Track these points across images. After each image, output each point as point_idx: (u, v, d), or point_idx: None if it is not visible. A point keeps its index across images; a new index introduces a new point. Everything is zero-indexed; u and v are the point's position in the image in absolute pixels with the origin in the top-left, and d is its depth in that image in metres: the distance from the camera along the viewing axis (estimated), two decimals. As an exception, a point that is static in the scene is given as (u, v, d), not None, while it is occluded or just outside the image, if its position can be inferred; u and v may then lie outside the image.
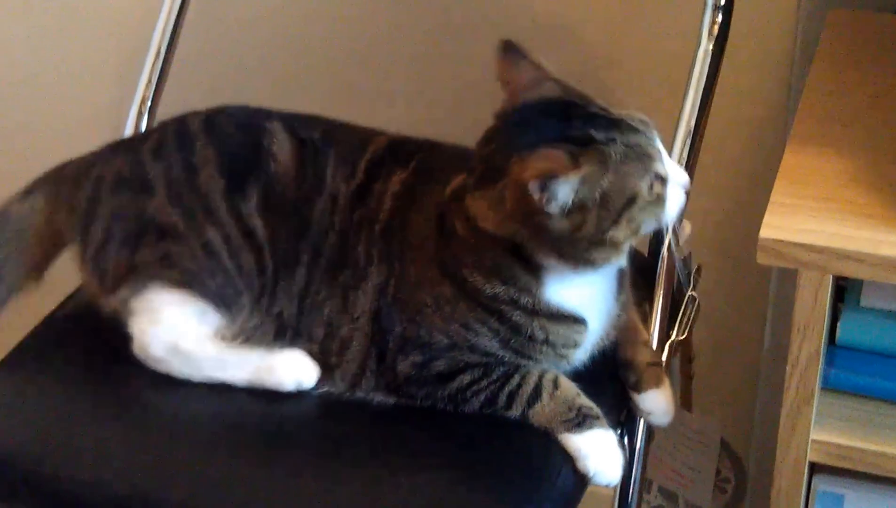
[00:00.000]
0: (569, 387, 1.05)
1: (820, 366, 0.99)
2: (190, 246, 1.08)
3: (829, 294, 0.95)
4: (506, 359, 1.04)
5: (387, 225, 1.07)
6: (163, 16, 1.35)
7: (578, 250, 0.99)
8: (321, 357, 1.07)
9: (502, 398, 1.04)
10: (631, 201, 0.98)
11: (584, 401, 1.05)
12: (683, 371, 1.27)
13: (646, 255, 1.17)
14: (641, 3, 1.46)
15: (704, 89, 1.17)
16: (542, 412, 1.04)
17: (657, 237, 1.14)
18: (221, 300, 1.08)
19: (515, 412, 1.04)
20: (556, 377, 1.05)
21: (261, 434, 1.06)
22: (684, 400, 1.30)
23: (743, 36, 1.25)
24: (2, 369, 1.13)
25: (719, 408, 1.55)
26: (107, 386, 1.11)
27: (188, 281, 1.08)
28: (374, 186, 1.09)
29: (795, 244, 0.93)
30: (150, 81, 1.34)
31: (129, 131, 1.33)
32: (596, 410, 1.04)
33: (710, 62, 1.18)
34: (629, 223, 0.99)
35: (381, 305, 1.05)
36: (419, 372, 1.04)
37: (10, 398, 1.11)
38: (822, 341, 0.98)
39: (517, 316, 1.02)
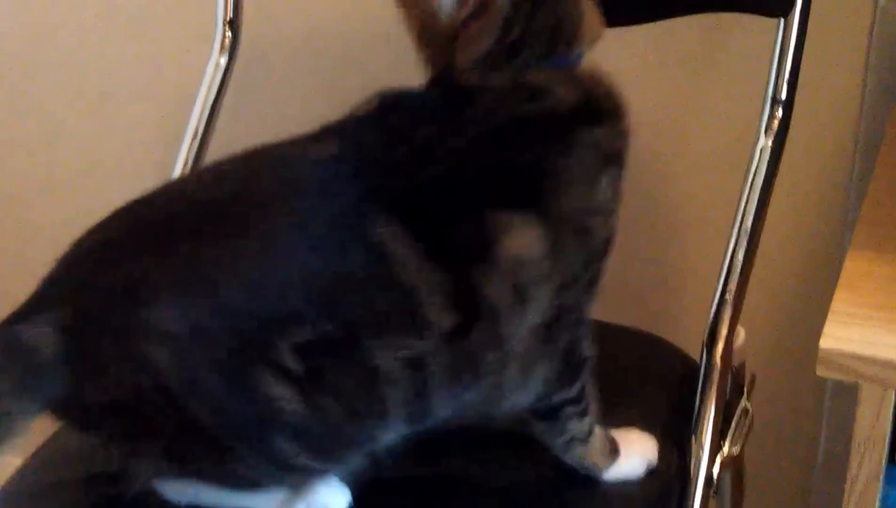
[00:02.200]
0: None
1: (880, 486, 0.94)
2: None
3: (891, 410, 0.91)
4: None
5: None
6: (199, 103, 1.34)
7: None
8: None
9: None
10: None
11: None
12: (735, 488, 1.21)
13: (696, 360, 1.12)
14: (700, 96, 1.42)
15: (762, 188, 1.13)
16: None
17: (709, 342, 1.10)
18: None
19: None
20: None
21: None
22: (735, 517, 1.24)
23: (801, 133, 1.21)
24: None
25: (771, 526, 1.50)
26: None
27: None
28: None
29: (857, 357, 0.88)
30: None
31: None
32: None
33: (769, 159, 1.14)
34: None
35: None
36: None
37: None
38: (883, 459, 0.93)
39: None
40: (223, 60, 1.36)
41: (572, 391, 0.99)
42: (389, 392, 0.91)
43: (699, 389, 1.08)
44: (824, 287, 0.98)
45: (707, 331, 1.11)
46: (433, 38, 0.98)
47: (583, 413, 1.00)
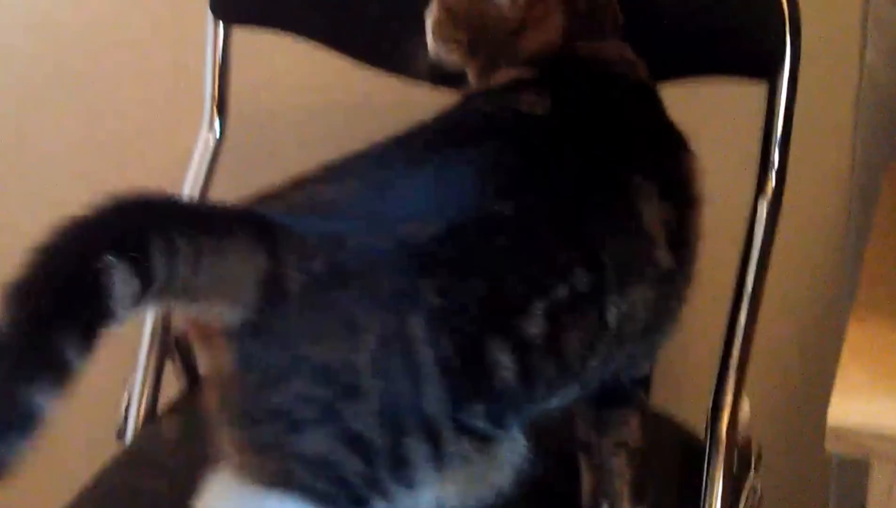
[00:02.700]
0: None
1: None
2: None
3: (904, 483, 0.88)
4: None
5: None
6: (188, 182, 1.33)
7: None
8: None
9: None
10: None
11: None
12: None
13: (700, 436, 1.10)
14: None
15: (759, 254, 1.11)
16: None
17: (713, 416, 1.07)
18: None
19: None
20: None
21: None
22: None
23: (793, 195, 1.19)
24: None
25: None
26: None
27: None
28: None
29: (867, 432, 0.86)
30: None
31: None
32: None
33: (766, 224, 1.12)
34: None
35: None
36: None
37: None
38: (898, 535, 0.90)
39: None
40: (211, 139, 1.35)
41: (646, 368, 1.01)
42: (600, 348, 0.91)
43: (705, 467, 1.06)
44: (827, 352, 0.96)
45: (711, 403, 1.09)
46: (492, 38, 1.03)
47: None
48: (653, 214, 0.94)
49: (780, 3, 1.11)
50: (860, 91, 1.29)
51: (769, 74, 1.12)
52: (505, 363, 0.85)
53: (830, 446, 0.87)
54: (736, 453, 1.07)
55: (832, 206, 1.35)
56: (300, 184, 0.91)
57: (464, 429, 0.85)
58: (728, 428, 1.06)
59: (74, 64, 1.66)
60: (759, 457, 1.11)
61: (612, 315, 0.90)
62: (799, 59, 1.11)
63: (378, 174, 0.91)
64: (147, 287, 0.77)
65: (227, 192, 1.46)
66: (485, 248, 0.86)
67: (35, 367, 0.75)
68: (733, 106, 1.34)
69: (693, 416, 1.14)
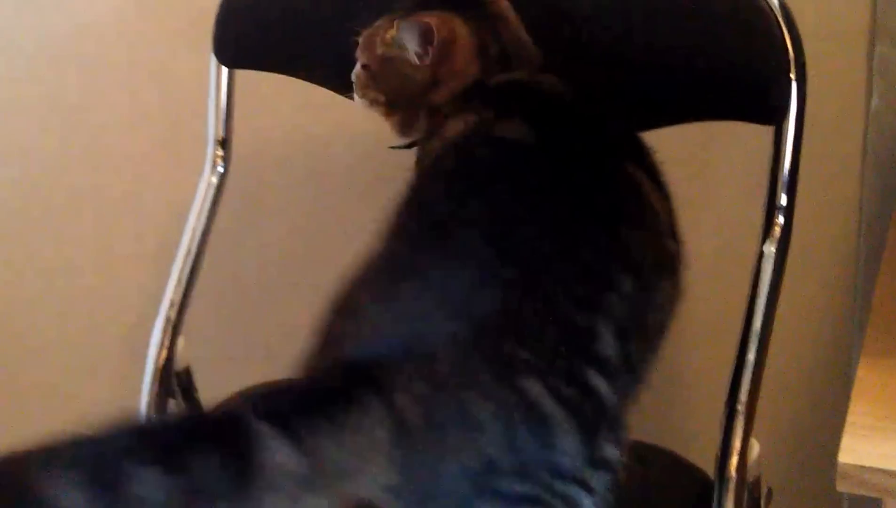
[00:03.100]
0: None
1: None
2: None
3: (916, 523, 0.88)
4: None
5: None
6: (191, 221, 1.34)
7: None
8: None
9: None
10: None
11: None
12: None
13: (709, 476, 1.09)
14: (699, 204, 1.42)
15: (768, 296, 1.11)
16: None
17: (722, 455, 1.07)
18: None
19: None
20: None
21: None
22: None
23: (801, 238, 1.20)
24: None
25: None
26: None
27: None
28: None
29: (879, 471, 0.86)
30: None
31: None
32: None
33: (773, 266, 1.12)
34: None
35: None
36: None
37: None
38: (910, 575, 0.89)
39: None
40: (214, 179, 1.35)
41: None
42: (653, 345, 0.95)
43: (715, 507, 1.05)
44: (836, 391, 0.96)
45: (720, 443, 1.08)
46: (408, 95, 1.07)
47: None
48: (657, 203, 0.97)
49: (786, 48, 1.11)
50: (866, 133, 1.29)
51: (776, 118, 1.12)
52: (601, 387, 0.87)
53: (841, 486, 0.86)
54: (746, 493, 1.06)
55: (841, 248, 1.35)
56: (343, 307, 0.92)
57: (599, 464, 0.88)
58: (737, 468, 1.05)
59: (74, 105, 1.67)
60: (769, 497, 1.10)
61: (652, 312, 0.93)
62: (805, 103, 1.12)
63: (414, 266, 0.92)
64: None
65: (229, 231, 1.48)
66: (541, 291, 0.88)
67: None
68: (739, 147, 1.35)
69: (703, 455, 1.14)
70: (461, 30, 1.06)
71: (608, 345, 0.88)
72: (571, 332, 0.87)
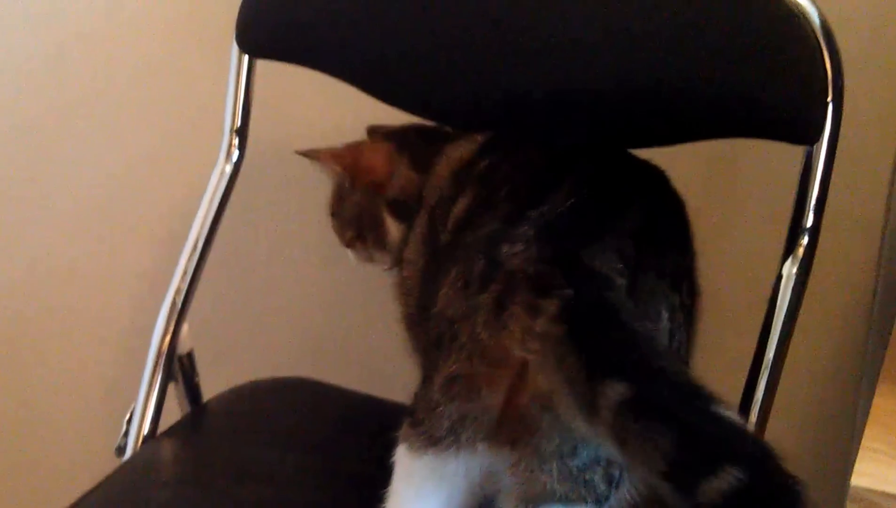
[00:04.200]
0: None
1: None
2: None
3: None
4: None
5: None
6: (202, 210, 1.33)
7: None
8: None
9: None
10: None
11: None
12: None
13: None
14: (720, 221, 1.40)
15: (785, 317, 1.09)
16: None
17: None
18: None
19: None
20: None
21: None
22: None
23: (821, 259, 1.18)
24: None
25: None
26: None
27: None
28: None
29: (892, 496, 0.84)
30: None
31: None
32: None
33: (794, 287, 1.10)
34: None
35: None
36: None
37: None
38: None
39: None
40: (228, 168, 1.34)
41: None
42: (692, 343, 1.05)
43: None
44: (847, 417, 0.94)
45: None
46: (367, 223, 1.26)
47: None
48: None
49: (826, 71, 1.09)
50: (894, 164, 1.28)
51: (811, 138, 1.10)
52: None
53: (852, 509, 0.85)
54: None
55: (860, 270, 1.33)
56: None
57: None
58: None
59: (93, 90, 1.67)
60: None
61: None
62: (839, 126, 1.10)
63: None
64: None
65: (241, 220, 1.47)
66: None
67: None
68: (763, 166, 1.33)
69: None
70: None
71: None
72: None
